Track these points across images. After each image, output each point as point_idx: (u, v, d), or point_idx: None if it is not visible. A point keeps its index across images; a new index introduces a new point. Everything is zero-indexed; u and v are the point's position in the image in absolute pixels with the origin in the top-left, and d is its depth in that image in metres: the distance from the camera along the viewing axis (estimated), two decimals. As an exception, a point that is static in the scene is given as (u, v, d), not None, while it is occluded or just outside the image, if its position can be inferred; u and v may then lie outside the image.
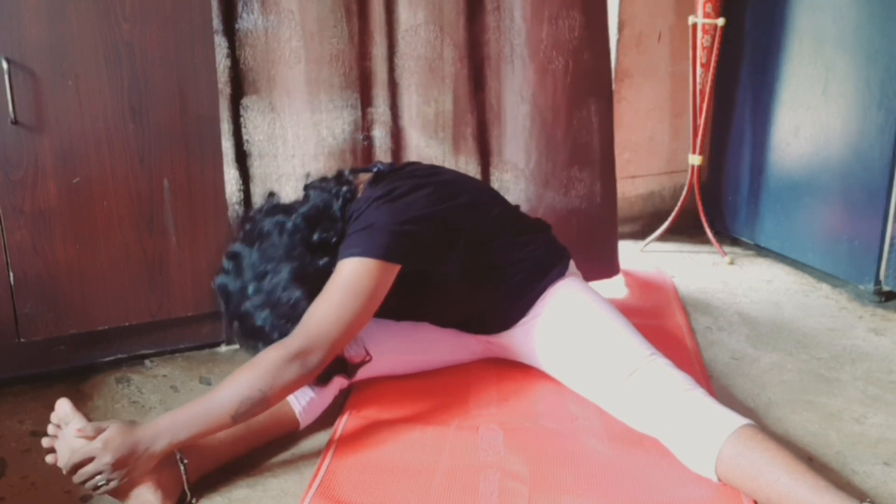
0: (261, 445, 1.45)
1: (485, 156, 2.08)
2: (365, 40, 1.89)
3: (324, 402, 1.53)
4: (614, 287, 2.28)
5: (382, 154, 1.97)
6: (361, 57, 1.89)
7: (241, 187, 1.90)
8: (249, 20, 1.78)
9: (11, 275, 1.63)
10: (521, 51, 2.00)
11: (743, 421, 1.34)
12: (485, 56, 2.00)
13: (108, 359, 1.81)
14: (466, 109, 2.02)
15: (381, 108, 1.95)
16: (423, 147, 1.99)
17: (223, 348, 1.93)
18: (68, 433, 1.26)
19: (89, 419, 1.59)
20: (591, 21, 2.04)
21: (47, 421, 1.58)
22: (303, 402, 1.49)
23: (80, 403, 1.65)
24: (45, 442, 1.28)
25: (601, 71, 2.11)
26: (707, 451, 1.33)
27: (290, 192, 1.87)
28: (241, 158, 1.88)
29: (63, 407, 1.28)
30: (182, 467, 1.31)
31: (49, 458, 1.28)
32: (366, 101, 1.93)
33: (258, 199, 1.89)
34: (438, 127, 2.00)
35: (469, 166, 2.06)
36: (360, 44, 1.89)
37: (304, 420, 1.51)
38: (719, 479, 1.33)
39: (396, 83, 1.95)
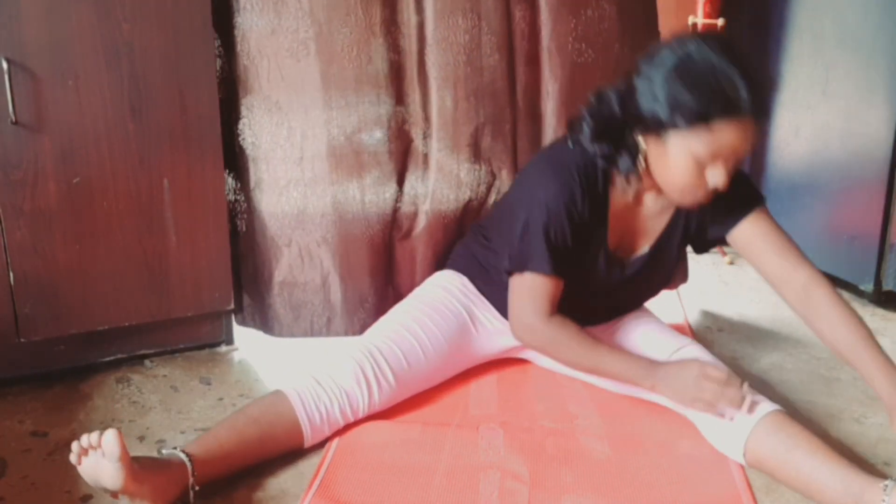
0: (267, 458, 1.43)
1: (514, 156, 1.97)
2: (391, 29, 1.79)
3: (329, 434, 1.51)
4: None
5: (408, 155, 1.87)
6: (385, 48, 1.78)
7: (241, 196, 1.83)
8: (253, 10, 1.72)
9: (11, 275, 1.62)
10: (548, 43, 1.91)
11: (773, 406, 1.39)
12: (516, 48, 1.89)
13: (108, 359, 1.81)
14: (505, 105, 1.92)
15: (410, 104, 1.84)
16: (457, 147, 1.88)
17: (223, 348, 1.93)
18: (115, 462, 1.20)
19: (89, 419, 1.59)
20: (623, 12, 1.95)
21: (47, 421, 1.59)
22: (317, 438, 1.47)
23: (80, 403, 1.66)
24: (74, 448, 1.22)
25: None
26: (737, 434, 1.38)
27: (297, 197, 1.80)
28: (238, 164, 1.81)
29: (112, 443, 1.19)
30: (190, 468, 1.29)
31: (73, 459, 1.23)
32: (390, 96, 1.81)
33: (265, 206, 1.82)
34: (471, 126, 1.88)
35: (503, 170, 1.94)
36: (387, 33, 1.78)
37: (308, 444, 1.47)
38: (746, 462, 1.39)
39: (427, 75, 1.83)
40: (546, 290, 1.50)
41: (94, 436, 1.20)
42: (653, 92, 1.35)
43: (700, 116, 1.31)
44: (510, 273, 1.54)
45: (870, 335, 1.39)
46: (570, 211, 1.46)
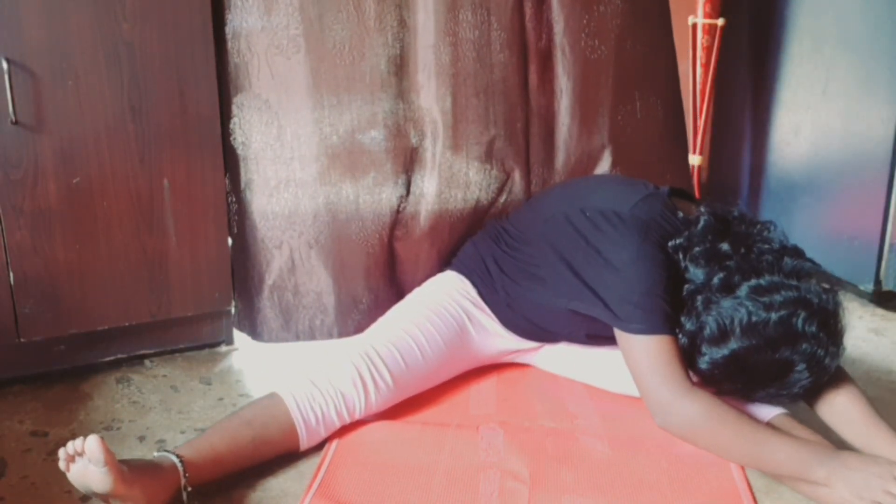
0: (261, 461, 1.41)
1: (527, 156, 1.96)
2: (391, 25, 1.76)
3: (325, 436, 1.50)
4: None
5: (410, 154, 1.85)
6: (382, 44, 1.76)
7: (232, 197, 1.80)
8: (244, 7, 1.70)
9: (11, 275, 1.62)
10: (560, 39, 1.90)
11: (777, 410, 1.40)
12: (528, 44, 1.89)
13: (108, 359, 1.81)
14: (517, 103, 1.89)
15: (413, 102, 1.81)
16: (466, 146, 1.87)
17: (223, 348, 1.92)
18: (96, 467, 1.20)
19: (89, 419, 1.59)
20: (636, 8, 1.94)
21: (47, 421, 1.59)
22: (313, 440, 1.46)
23: (80, 403, 1.66)
24: (61, 454, 1.23)
25: (652, 63, 2.01)
26: None
27: (289, 198, 1.79)
28: (230, 164, 1.78)
29: (95, 449, 1.18)
30: (181, 469, 1.28)
31: (61, 465, 1.24)
32: (388, 94, 1.79)
33: (256, 207, 1.79)
34: (482, 125, 1.87)
35: (516, 171, 1.93)
36: (385, 29, 1.75)
37: (304, 446, 1.46)
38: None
39: (433, 72, 1.80)
40: (675, 351, 1.38)
41: (78, 442, 1.21)
42: (732, 325, 1.33)
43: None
44: (618, 328, 1.44)
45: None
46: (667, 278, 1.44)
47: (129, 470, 1.22)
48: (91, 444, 1.19)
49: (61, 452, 1.23)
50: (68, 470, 1.23)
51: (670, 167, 2.12)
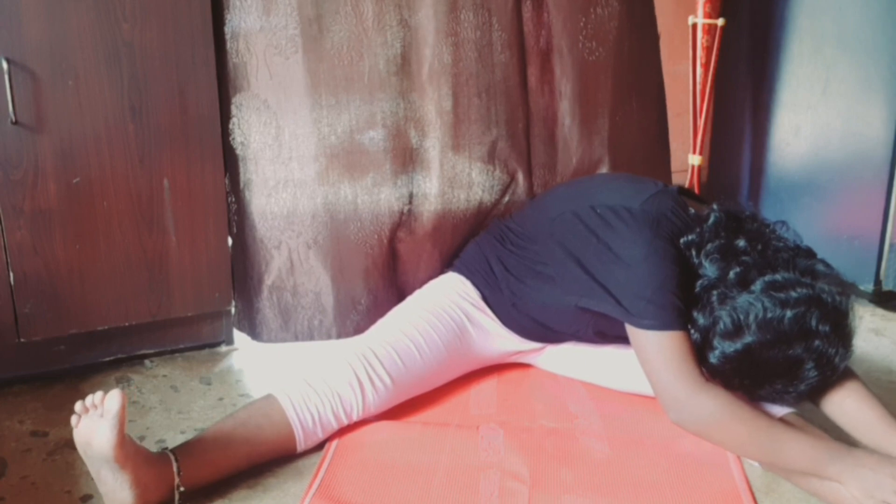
0: (258, 462, 1.41)
1: (528, 157, 1.96)
2: (391, 25, 1.76)
3: (323, 438, 1.49)
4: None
5: (411, 154, 1.85)
6: (382, 44, 1.76)
7: (231, 197, 1.80)
8: (242, 6, 1.70)
9: (11, 275, 1.62)
10: (559, 41, 1.91)
11: (787, 409, 1.39)
12: (526, 46, 1.90)
13: (108, 359, 1.81)
14: (518, 104, 1.90)
15: (414, 102, 1.81)
16: (468, 146, 1.87)
17: (223, 348, 1.93)
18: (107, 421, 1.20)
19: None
20: (632, 10, 1.95)
21: (47, 421, 1.59)
22: (310, 441, 1.46)
23: (80, 403, 1.66)
24: (77, 408, 1.24)
25: (645, 64, 2.03)
26: None
27: (288, 198, 1.79)
28: (229, 164, 1.78)
29: (114, 399, 1.21)
30: (175, 467, 1.28)
31: (73, 420, 1.23)
32: (388, 94, 1.79)
33: (255, 207, 1.80)
34: (484, 125, 1.87)
35: (519, 171, 1.94)
36: (384, 29, 1.75)
37: (302, 448, 1.46)
38: (762, 465, 1.41)
39: (435, 72, 1.80)
40: (688, 346, 1.37)
41: (98, 395, 1.22)
42: (747, 322, 1.32)
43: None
44: (632, 324, 1.42)
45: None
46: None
47: (132, 446, 1.22)
48: (112, 394, 1.20)
49: (78, 406, 1.23)
50: (77, 425, 1.22)
51: (657, 170, 2.13)
